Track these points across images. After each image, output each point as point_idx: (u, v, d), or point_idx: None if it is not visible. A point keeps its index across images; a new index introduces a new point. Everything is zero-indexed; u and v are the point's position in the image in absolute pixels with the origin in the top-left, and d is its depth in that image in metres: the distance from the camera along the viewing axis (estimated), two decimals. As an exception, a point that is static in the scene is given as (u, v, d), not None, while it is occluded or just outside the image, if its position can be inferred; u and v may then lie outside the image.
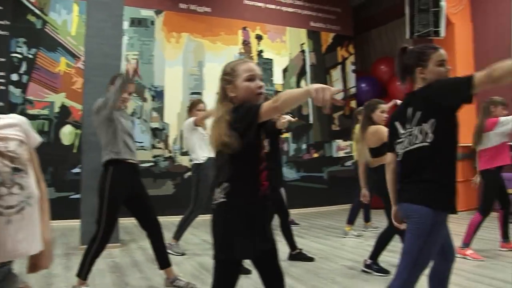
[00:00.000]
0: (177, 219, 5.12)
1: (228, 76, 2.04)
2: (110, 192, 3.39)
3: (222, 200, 1.92)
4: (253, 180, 1.97)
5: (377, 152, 3.96)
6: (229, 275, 1.95)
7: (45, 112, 7.18)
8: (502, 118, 4.46)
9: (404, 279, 2.09)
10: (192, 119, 4.98)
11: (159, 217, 3.64)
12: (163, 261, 3.60)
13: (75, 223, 5.82)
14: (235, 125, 1.88)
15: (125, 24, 7.35)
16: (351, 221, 5.77)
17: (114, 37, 5.52)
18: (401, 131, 2.28)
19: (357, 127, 4.99)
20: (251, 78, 2.01)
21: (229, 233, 1.90)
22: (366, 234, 5.86)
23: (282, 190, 4.76)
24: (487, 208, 4.50)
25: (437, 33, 7.11)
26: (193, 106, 5.12)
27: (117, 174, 3.43)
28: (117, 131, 3.46)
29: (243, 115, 1.89)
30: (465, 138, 7.36)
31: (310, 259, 4.51)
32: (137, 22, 7.55)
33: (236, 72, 2.03)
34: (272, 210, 4.49)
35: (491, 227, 5.37)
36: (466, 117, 7.36)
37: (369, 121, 4.09)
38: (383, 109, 4.09)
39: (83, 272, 3.35)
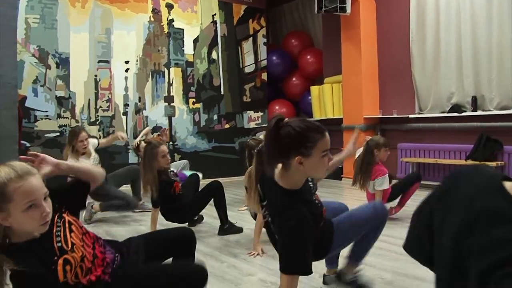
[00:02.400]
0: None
1: None
2: None
3: None
4: None
5: None
6: None
7: None
8: (378, 180, 4.50)
9: None
10: None
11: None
12: None
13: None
14: None
15: (24, -15, 6.95)
16: None
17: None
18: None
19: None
20: (33, 205, 1.53)
21: None
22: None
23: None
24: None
25: (343, 9, 7.41)
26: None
27: None
28: None
29: None
30: (368, 111, 7.85)
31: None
32: (37, -17, 7.10)
33: (9, 197, 1.49)
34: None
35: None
36: (370, 90, 7.83)
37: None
38: None
39: None
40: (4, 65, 5.19)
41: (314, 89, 9.10)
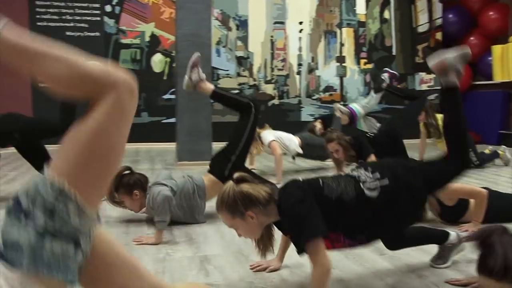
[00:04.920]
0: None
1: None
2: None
3: None
4: None
5: None
6: None
7: (137, 41, 7.57)
8: None
9: None
10: None
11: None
12: None
13: (168, 145, 6.32)
14: None
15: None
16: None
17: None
18: None
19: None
20: None
21: None
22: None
23: None
24: None
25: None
26: None
27: None
28: None
29: None
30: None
31: None
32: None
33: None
34: None
35: None
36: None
37: None
38: None
39: None
40: (201, 27, 5.76)
41: (496, 48, 8.39)
